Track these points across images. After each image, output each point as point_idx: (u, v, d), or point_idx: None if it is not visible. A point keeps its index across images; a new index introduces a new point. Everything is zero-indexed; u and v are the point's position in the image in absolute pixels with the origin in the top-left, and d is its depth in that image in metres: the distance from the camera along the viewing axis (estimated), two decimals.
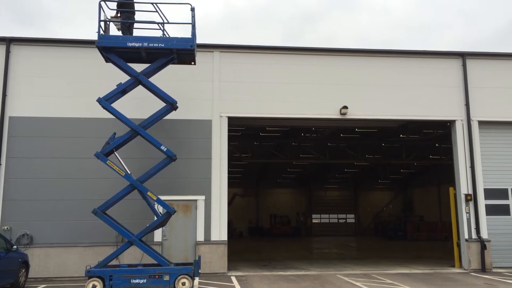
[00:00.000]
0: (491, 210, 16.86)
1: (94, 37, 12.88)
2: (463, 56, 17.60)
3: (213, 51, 16.50)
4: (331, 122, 17.97)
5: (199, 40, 14.46)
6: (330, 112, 16.64)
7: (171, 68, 15.12)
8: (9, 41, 15.63)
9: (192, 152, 15.68)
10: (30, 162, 15.08)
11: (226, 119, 16.11)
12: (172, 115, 15.53)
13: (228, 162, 16.13)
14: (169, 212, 12.64)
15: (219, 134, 15.95)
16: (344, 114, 16.55)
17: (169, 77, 15.17)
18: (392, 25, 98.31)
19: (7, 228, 14.59)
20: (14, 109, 15.34)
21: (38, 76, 15.63)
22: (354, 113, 16.67)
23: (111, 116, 13.90)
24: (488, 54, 17.99)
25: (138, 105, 15.10)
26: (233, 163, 28.60)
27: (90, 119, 15.34)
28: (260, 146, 28.36)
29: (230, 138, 16.89)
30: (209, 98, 16.14)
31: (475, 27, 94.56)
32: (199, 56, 16.21)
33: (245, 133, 23.92)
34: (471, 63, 17.56)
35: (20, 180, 14.95)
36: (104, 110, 13.03)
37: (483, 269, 16.04)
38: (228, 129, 16.15)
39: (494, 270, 16.21)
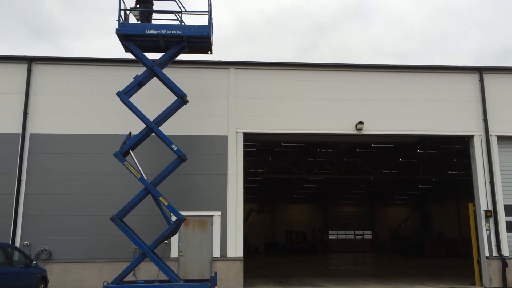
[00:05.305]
0: None
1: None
2: (480, 70, 17.46)
3: (228, 68, 16.68)
4: (347, 137, 17.91)
5: (214, 56, 14.73)
6: (345, 127, 16.61)
7: (188, 85, 15.33)
8: (30, 60, 16.06)
9: (208, 168, 15.77)
10: (50, 178, 15.33)
11: (242, 135, 16.19)
12: (188, 131, 15.80)
13: (244, 177, 16.16)
14: (179, 219, 12.81)
15: (235, 150, 16.02)
16: (360, 129, 16.50)
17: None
18: (407, 35, 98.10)
19: (27, 243, 14.80)
20: (35, 126, 15.67)
21: (58, 94, 15.98)
22: (370, 129, 16.61)
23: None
24: (505, 69, 17.82)
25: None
26: (249, 179, 28.59)
27: (109, 135, 15.56)
28: (275, 162, 28.33)
29: (246, 154, 16.95)
30: (225, 114, 16.27)
31: (492, 37, 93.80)
32: (215, 73, 16.48)
33: (260, 149, 23.96)
34: (488, 78, 17.40)
35: (40, 196, 15.19)
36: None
37: (505, 287, 15.66)
38: (243, 144, 16.23)
39: None
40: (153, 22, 14.28)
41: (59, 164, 15.44)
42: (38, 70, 16.12)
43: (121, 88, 13.64)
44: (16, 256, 12.90)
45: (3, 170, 15.23)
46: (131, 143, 13.37)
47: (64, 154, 15.51)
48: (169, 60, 14.47)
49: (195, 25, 13.68)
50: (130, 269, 12.95)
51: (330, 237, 47.03)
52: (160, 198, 13.00)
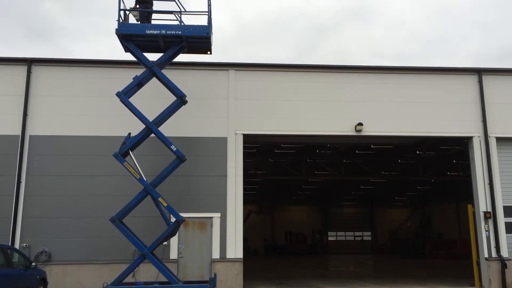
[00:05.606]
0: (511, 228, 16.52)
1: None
2: (479, 72, 17.49)
3: (228, 70, 16.70)
4: (346, 139, 17.94)
5: (213, 57, 14.79)
6: (345, 129, 16.63)
7: (188, 86, 15.36)
8: (30, 62, 16.07)
9: (207, 170, 15.78)
10: (49, 180, 15.34)
11: (242, 136, 16.20)
12: (188, 133, 15.82)
13: (243, 179, 16.17)
14: (178, 220, 12.84)
15: (235, 151, 16.03)
16: (359, 131, 16.51)
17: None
18: (407, 37, 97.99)
19: (26, 245, 14.79)
20: (34, 128, 15.67)
21: (57, 95, 15.99)
22: (369, 130, 16.63)
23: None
24: (504, 70, 17.85)
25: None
26: (248, 180, 28.58)
27: (108, 137, 15.57)
28: (275, 163, 28.35)
29: (245, 155, 16.95)
30: (224, 116, 16.28)
31: (492, 38, 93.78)
32: (215, 74, 16.50)
33: (260, 150, 23.98)
34: (487, 79, 17.43)
35: (39, 197, 15.20)
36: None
37: None
38: (243, 146, 16.23)
39: None
40: (153, 22, 14.32)
41: (59, 166, 15.45)
42: (38, 71, 16.13)
43: (120, 89, 13.66)
44: (16, 257, 12.90)
45: (3, 171, 15.24)
46: (131, 143, 13.42)
47: (64, 156, 15.52)
48: (169, 60, 14.51)
49: (194, 25, 13.75)
50: (130, 270, 12.96)
51: (330, 238, 47.00)
52: (160, 199, 13.04)
